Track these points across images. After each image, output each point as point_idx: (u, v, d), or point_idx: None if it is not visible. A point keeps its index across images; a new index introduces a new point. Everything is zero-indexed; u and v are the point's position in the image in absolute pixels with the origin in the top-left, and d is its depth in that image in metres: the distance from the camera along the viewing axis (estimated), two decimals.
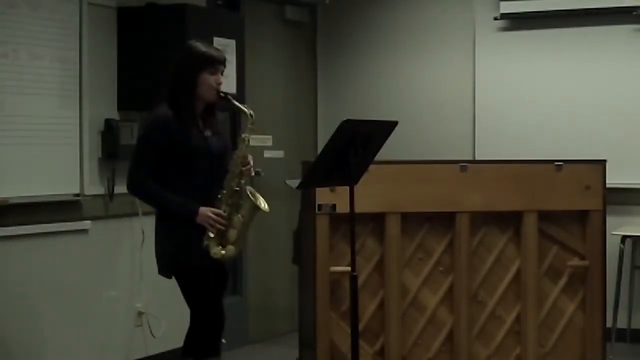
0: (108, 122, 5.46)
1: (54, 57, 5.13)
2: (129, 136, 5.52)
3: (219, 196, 4.27)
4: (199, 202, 4.24)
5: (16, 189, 4.92)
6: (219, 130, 4.43)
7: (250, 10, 6.78)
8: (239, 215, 4.29)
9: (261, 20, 7.01)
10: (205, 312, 4.33)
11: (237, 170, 4.28)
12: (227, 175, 4.29)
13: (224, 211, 4.26)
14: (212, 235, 4.24)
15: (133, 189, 4.31)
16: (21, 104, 4.94)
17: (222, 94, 4.31)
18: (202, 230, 4.24)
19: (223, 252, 4.27)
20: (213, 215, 4.23)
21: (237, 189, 4.29)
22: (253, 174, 4.34)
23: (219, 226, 4.24)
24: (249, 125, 4.31)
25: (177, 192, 4.24)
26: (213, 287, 4.35)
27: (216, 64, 4.29)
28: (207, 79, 4.27)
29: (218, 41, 5.48)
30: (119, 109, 5.57)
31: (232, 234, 4.28)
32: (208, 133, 4.33)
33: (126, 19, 5.57)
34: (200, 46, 4.32)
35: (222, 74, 4.33)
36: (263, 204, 4.31)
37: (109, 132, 5.46)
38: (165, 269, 4.33)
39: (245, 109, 4.31)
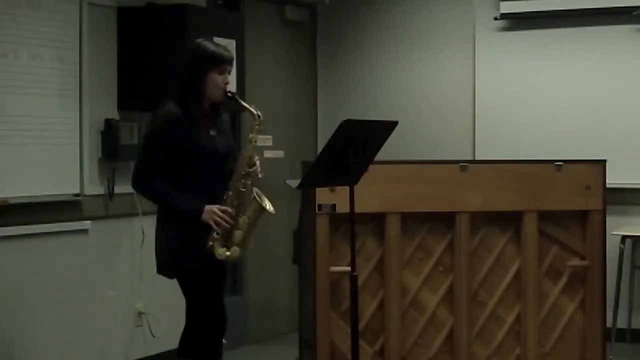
0: (108, 122, 5.46)
1: (54, 57, 5.12)
2: (129, 136, 5.53)
3: (225, 197, 4.23)
4: (204, 202, 4.19)
5: (16, 189, 4.91)
6: (224, 130, 4.39)
7: (250, 10, 6.78)
8: (245, 217, 4.24)
9: (261, 20, 7.01)
10: (206, 313, 4.30)
11: (244, 171, 4.23)
12: (232, 176, 4.25)
13: None
14: (216, 235, 4.19)
15: (138, 185, 4.24)
16: (21, 104, 4.94)
17: (229, 94, 4.26)
18: (206, 231, 4.19)
19: (228, 253, 4.22)
20: (219, 212, 4.18)
21: (243, 190, 4.24)
22: (260, 175, 4.28)
23: (224, 224, 4.18)
24: (256, 126, 4.28)
25: (182, 192, 4.18)
26: (214, 287, 4.33)
27: (224, 63, 4.25)
28: (215, 78, 4.22)
29: (218, 41, 5.46)
30: (119, 109, 5.57)
31: (238, 235, 4.23)
32: (213, 132, 4.28)
33: (126, 19, 5.56)
34: (209, 45, 4.27)
35: (229, 74, 4.28)
36: (269, 205, 4.27)
37: (109, 132, 5.45)
38: (166, 269, 4.29)
39: (253, 110, 4.28)
